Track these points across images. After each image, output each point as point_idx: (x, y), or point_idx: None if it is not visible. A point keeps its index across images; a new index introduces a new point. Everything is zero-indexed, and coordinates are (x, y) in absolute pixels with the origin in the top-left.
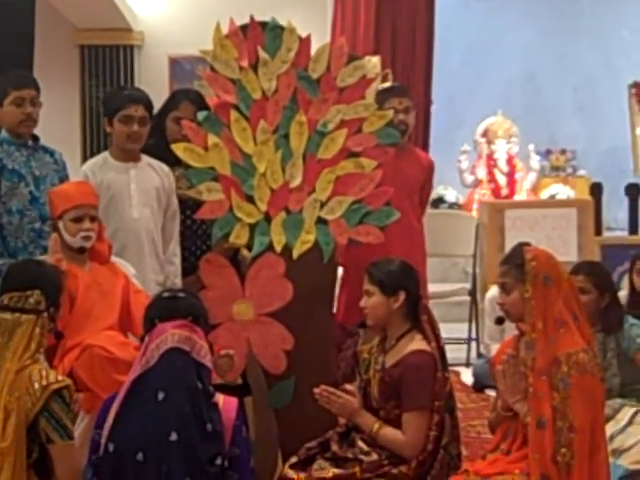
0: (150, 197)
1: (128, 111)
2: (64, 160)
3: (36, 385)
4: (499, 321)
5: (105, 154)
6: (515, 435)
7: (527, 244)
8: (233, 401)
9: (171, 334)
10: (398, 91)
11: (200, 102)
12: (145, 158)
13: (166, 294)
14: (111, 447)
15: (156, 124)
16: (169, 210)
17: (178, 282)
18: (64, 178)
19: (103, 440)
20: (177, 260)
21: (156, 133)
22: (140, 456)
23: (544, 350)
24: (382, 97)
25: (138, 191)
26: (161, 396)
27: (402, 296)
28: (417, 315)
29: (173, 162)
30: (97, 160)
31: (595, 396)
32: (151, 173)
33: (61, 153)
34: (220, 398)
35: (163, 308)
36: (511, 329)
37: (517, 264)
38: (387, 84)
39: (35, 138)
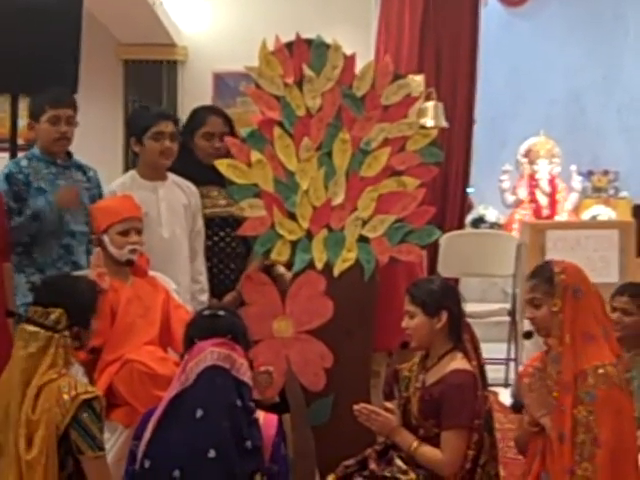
0: (179, 215)
1: (159, 127)
2: (98, 178)
3: (65, 396)
4: (527, 335)
5: (132, 173)
6: (544, 453)
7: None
8: (273, 418)
9: (210, 352)
10: None
11: (224, 114)
12: (171, 176)
13: (206, 312)
14: (147, 463)
15: (182, 144)
16: (195, 228)
17: (204, 299)
18: (96, 196)
19: (139, 455)
20: (202, 278)
21: (183, 153)
22: (177, 473)
23: (570, 364)
24: None
25: (167, 210)
26: (199, 413)
27: (445, 316)
28: (459, 334)
29: (204, 182)
30: (125, 179)
31: (622, 410)
32: (178, 191)
33: (95, 171)
34: (261, 415)
35: (202, 327)
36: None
37: (546, 278)
38: (431, 102)
39: (68, 155)
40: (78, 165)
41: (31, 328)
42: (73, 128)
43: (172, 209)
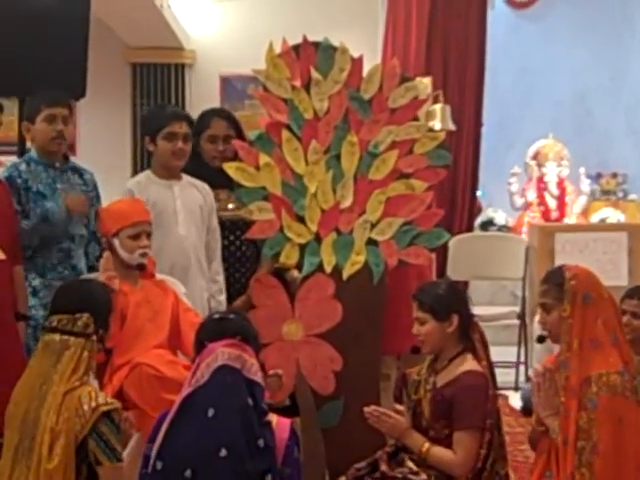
0: (195, 215)
1: (172, 128)
2: (95, 180)
3: (85, 407)
4: (540, 339)
5: (148, 172)
6: (549, 452)
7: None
8: (287, 422)
9: (221, 352)
10: None
11: (229, 116)
12: (186, 177)
13: (216, 316)
14: (159, 465)
15: (192, 148)
16: (210, 228)
17: (222, 300)
18: (93, 199)
19: (152, 458)
20: (220, 278)
21: (193, 157)
22: (188, 473)
23: (577, 370)
24: None
25: (184, 209)
26: (211, 412)
27: (456, 319)
28: (469, 335)
29: (214, 185)
30: (140, 178)
31: (624, 419)
32: (193, 191)
33: (92, 173)
34: (274, 418)
35: (212, 329)
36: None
37: (557, 283)
38: (438, 105)
39: (65, 157)
40: (75, 168)
41: (59, 337)
42: (70, 127)
43: (188, 208)
